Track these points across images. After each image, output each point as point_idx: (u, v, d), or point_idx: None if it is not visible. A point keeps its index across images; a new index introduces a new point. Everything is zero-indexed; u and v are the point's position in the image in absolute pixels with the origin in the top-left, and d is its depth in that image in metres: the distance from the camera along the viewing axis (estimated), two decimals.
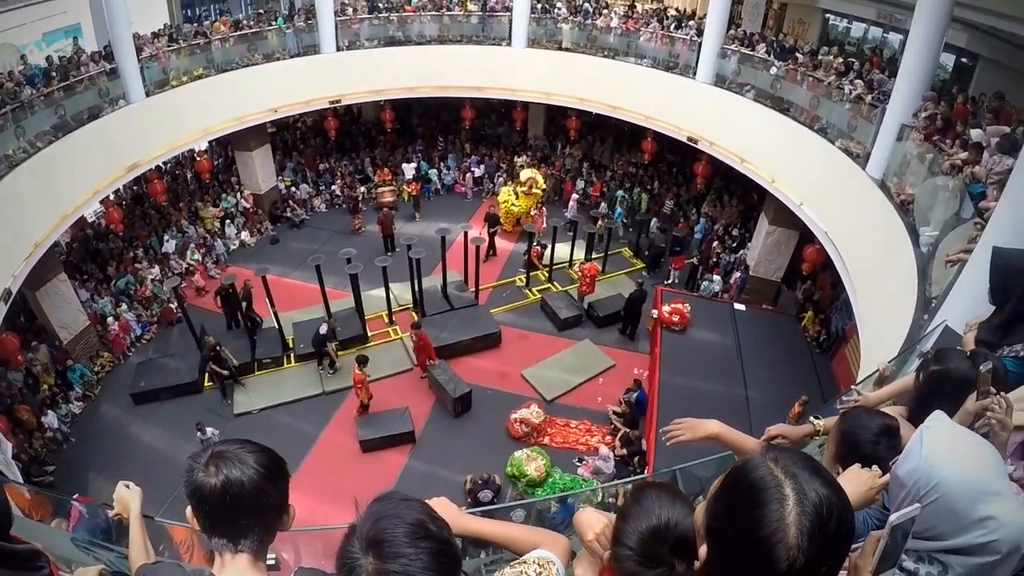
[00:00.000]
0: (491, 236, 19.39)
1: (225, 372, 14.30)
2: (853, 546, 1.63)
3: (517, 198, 20.34)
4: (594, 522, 1.93)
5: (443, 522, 1.50)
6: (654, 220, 20.29)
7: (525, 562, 1.94)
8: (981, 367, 2.47)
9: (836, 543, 1.22)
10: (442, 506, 1.93)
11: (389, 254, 18.55)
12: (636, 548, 1.68)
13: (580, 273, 17.48)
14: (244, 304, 15.83)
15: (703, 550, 1.40)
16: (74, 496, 5.70)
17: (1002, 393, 2.37)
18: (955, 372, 2.84)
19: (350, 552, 1.38)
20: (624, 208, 21.06)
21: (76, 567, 2.67)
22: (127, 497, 2.64)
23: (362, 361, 13.51)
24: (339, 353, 15.02)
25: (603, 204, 21.28)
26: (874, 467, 2.01)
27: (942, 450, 1.66)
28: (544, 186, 20.77)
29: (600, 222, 18.75)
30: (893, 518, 1.52)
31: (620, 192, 21.58)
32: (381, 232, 19.50)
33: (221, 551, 1.82)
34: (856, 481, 1.97)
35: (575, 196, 21.39)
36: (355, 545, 1.38)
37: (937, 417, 1.80)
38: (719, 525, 1.36)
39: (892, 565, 1.60)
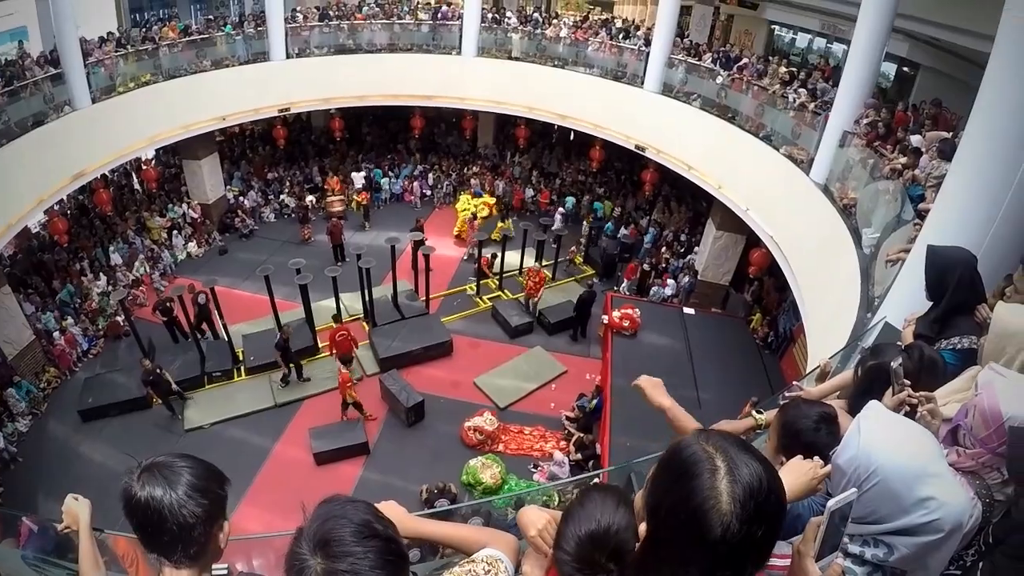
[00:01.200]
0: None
1: (165, 394, 13.86)
2: (794, 539, 1.69)
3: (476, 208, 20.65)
4: (535, 519, 1.96)
5: (389, 522, 1.52)
6: (621, 231, 20.43)
7: (474, 561, 1.97)
8: (892, 363, 2.57)
9: (768, 512, 1.26)
10: (390, 508, 1.95)
11: (339, 264, 18.34)
12: (573, 554, 1.71)
13: (527, 276, 17.49)
14: (196, 313, 15.67)
15: (643, 527, 1.43)
16: (25, 515, 5.58)
17: (913, 392, 2.48)
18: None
19: (299, 554, 1.40)
20: (571, 207, 21.56)
21: None
22: (76, 509, 2.62)
23: (346, 361, 13.44)
24: (290, 364, 14.80)
25: (584, 223, 21.21)
26: (815, 458, 2.07)
27: (879, 437, 1.73)
28: (488, 209, 21.25)
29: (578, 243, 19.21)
30: (831, 503, 1.57)
31: (570, 199, 21.84)
32: (331, 242, 19.33)
33: (161, 566, 1.83)
34: (798, 471, 2.00)
35: (561, 210, 21.38)
36: (303, 546, 1.40)
37: (873, 406, 1.88)
38: (655, 500, 1.40)
39: (833, 549, 1.65)
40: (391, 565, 1.41)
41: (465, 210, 20.76)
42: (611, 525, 1.69)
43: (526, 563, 2.00)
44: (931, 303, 3.95)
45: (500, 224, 20.15)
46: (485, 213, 21.22)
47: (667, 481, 1.37)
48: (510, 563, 1.99)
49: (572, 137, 23.58)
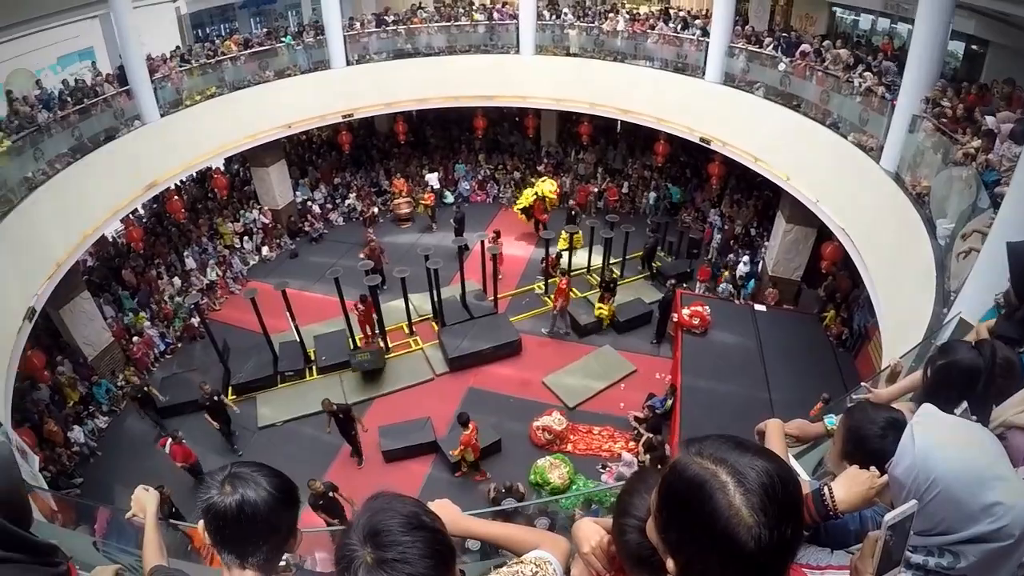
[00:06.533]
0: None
1: (219, 423, 13.39)
2: (853, 548, 1.62)
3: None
4: (591, 534, 1.92)
5: (435, 515, 1.55)
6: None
7: (523, 562, 1.96)
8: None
9: (788, 505, 1.24)
10: (443, 508, 1.99)
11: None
12: None
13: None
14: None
15: (670, 563, 1.37)
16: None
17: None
18: (961, 363, 2.79)
19: (349, 545, 1.44)
20: (653, 202, 21.60)
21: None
22: (144, 499, 2.74)
23: (464, 421, 12.59)
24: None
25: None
26: (872, 468, 1.99)
27: (935, 443, 1.64)
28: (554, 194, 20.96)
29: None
30: (888, 517, 1.50)
31: (653, 194, 21.86)
32: (373, 265, 17.84)
33: (229, 565, 1.90)
34: (855, 481, 1.93)
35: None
36: (353, 538, 1.44)
37: (926, 411, 1.78)
38: (676, 536, 1.36)
39: (895, 565, 1.58)
40: (439, 555, 1.45)
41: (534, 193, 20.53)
42: None
43: (575, 566, 1.99)
44: (1018, 303, 3.70)
45: (567, 231, 20.10)
46: (552, 192, 20.66)
47: (679, 512, 1.33)
48: (559, 566, 1.98)
49: (633, 131, 23.35)
